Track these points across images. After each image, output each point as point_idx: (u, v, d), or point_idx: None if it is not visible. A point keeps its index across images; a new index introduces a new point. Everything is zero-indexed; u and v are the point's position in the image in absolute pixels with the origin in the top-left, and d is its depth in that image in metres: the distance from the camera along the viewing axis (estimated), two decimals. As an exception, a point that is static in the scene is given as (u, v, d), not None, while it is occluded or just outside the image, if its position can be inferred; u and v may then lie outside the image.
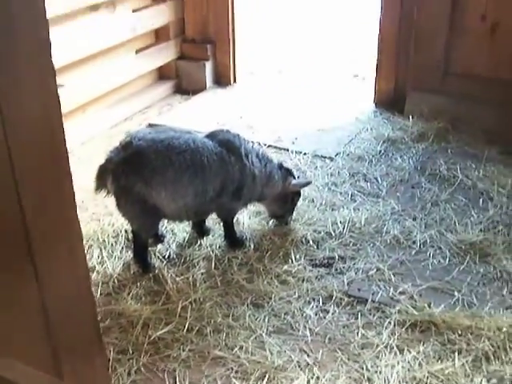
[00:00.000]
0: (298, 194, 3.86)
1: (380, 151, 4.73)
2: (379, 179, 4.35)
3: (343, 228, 3.77)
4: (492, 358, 2.87)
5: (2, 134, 1.26)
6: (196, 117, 5.37)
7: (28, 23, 1.25)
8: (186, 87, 6.05)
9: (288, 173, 3.77)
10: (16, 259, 1.37)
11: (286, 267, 3.45)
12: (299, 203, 3.98)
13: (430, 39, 5.04)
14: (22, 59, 1.28)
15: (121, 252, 3.62)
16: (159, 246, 3.63)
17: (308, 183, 3.98)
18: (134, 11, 5.69)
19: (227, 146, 3.42)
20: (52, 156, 1.44)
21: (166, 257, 3.57)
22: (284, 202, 3.80)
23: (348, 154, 4.70)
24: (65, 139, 1.47)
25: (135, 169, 3.16)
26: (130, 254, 3.56)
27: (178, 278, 3.37)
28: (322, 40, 7.62)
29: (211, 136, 3.51)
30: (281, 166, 3.75)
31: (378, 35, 5.36)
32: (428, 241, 3.69)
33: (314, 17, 8.59)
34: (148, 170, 3.16)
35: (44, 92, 1.33)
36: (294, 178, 3.79)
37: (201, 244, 3.67)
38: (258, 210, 3.96)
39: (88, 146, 5.04)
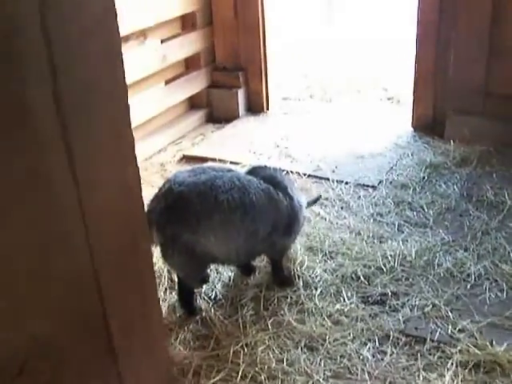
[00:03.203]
0: None
1: (423, 178, 4.59)
2: (425, 207, 4.20)
3: (394, 262, 3.63)
4: None
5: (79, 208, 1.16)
6: (231, 146, 5.27)
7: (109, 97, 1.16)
8: (219, 116, 5.95)
9: None
10: (97, 355, 1.25)
11: (338, 306, 3.30)
12: (347, 236, 3.87)
13: (470, 60, 4.90)
14: (101, 127, 1.18)
15: (164, 293, 3.50)
16: (204, 287, 3.50)
17: (319, 198, 3.94)
18: (163, 41, 5.62)
19: (272, 181, 3.29)
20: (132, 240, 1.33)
21: (212, 298, 3.44)
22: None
23: (391, 182, 4.56)
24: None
25: (180, 217, 3.02)
26: (174, 296, 3.44)
27: (226, 321, 3.25)
28: (352, 62, 7.49)
29: (253, 172, 3.39)
30: None
31: (415, 56, 5.22)
32: (483, 273, 3.53)
33: (343, 38, 8.48)
34: (194, 215, 3.01)
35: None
36: None
37: (247, 283, 3.54)
38: (309, 245, 3.84)
39: (122, 179, 4.94)
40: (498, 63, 4.84)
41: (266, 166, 3.54)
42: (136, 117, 5.11)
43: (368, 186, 4.53)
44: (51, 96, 1.09)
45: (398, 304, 3.32)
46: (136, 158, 1.27)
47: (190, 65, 5.86)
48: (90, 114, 1.17)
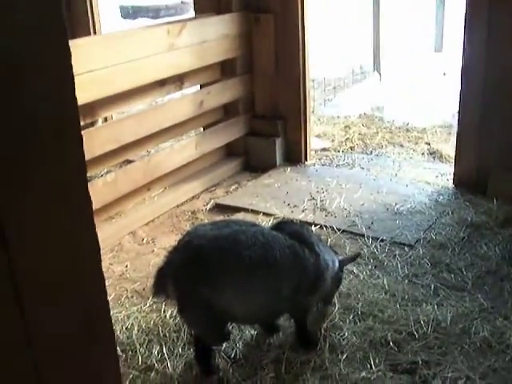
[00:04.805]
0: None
1: (463, 238, 4.36)
2: (464, 270, 3.98)
3: (427, 328, 3.39)
4: None
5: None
6: (265, 197, 5.12)
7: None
8: (255, 164, 5.82)
9: (334, 251, 3.50)
10: None
11: (364, 373, 3.08)
12: (380, 296, 3.67)
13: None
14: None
15: (182, 349, 3.33)
16: (224, 344, 3.32)
17: (357, 256, 3.73)
18: (202, 86, 5.54)
19: (298, 238, 3.12)
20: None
21: (232, 357, 3.26)
22: (338, 283, 3.50)
23: (429, 241, 4.34)
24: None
25: (198, 272, 2.86)
26: (192, 352, 3.26)
27: (244, 383, 3.06)
28: (393, 114, 7.34)
29: (278, 228, 3.22)
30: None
31: (458, 111, 5.05)
32: (523, 345, 3.29)
33: (388, 89, 8.35)
34: (213, 271, 2.86)
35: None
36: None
37: (270, 343, 3.34)
38: (340, 304, 3.63)
39: (152, 226, 4.83)
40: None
41: (292, 222, 3.38)
42: (171, 162, 5.03)
43: (404, 244, 4.32)
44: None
45: (428, 374, 3.08)
46: (94, 229, 1.08)
47: (228, 111, 5.76)
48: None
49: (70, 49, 1.02)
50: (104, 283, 1.12)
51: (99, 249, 1.10)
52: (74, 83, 1.03)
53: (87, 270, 1.07)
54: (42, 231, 1.01)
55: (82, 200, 1.05)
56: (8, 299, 0.97)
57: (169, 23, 5.05)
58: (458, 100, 4.99)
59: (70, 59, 1.01)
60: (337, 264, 3.38)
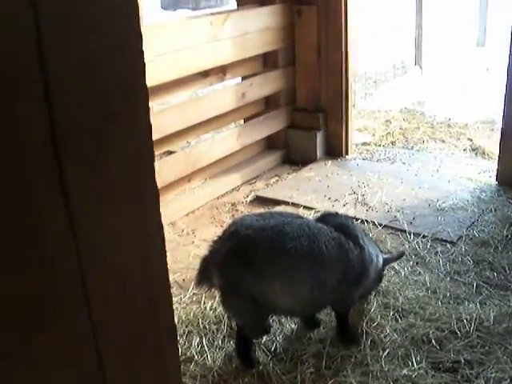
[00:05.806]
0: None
1: (506, 236, 4.29)
2: (507, 268, 3.91)
3: (469, 326, 3.34)
4: None
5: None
6: (305, 190, 5.10)
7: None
8: (296, 157, 5.80)
9: (379, 249, 3.47)
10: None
11: (405, 371, 3.05)
12: (421, 293, 3.63)
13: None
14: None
15: (222, 341, 3.33)
16: (264, 338, 3.31)
17: (401, 255, 3.73)
18: (243, 78, 5.53)
19: (343, 230, 3.10)
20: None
21: (272, 350, 3.24)
22: (378, 280, 3.50)
23: (471, 238, 4.28)
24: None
25: (244, 261, 2.86)
26: (232, 344, 3.26)
27: (284, 377, 3.04)
28: (435, 109, 7.26)
29: (323, 220, 3.21)
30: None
31: (503, 108, 4.97)
32: None
33: (426, 87, 8.27)
34: (259, 261, 2.86)
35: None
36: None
37: (310, 338, 3.33)
38: (381, 301, 3.61)
39: (192, 217, 4.84)
40: None
41: (337, 214, 3.36)
42: (212, 154, 5.03)
43: (446, 241, 4.27)
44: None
45: (471, 374, 3.04)
46: (158, 212, 1.07)
47: (269, 104, 5.75)
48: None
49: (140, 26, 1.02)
50: (167, 270, 1.12)
51: (163, 233, 1.09)
52: (143, 58, 1.03)
53: (153, 256, 1.07)
54: (110, 211, 1.01)
55: (148, 181, 1.04)
56: (75, 286, 0.97)
57: (212, 14, 5.04)
58: (504, 95, 4.91)
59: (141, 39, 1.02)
60: (381, 260, 3.36)
